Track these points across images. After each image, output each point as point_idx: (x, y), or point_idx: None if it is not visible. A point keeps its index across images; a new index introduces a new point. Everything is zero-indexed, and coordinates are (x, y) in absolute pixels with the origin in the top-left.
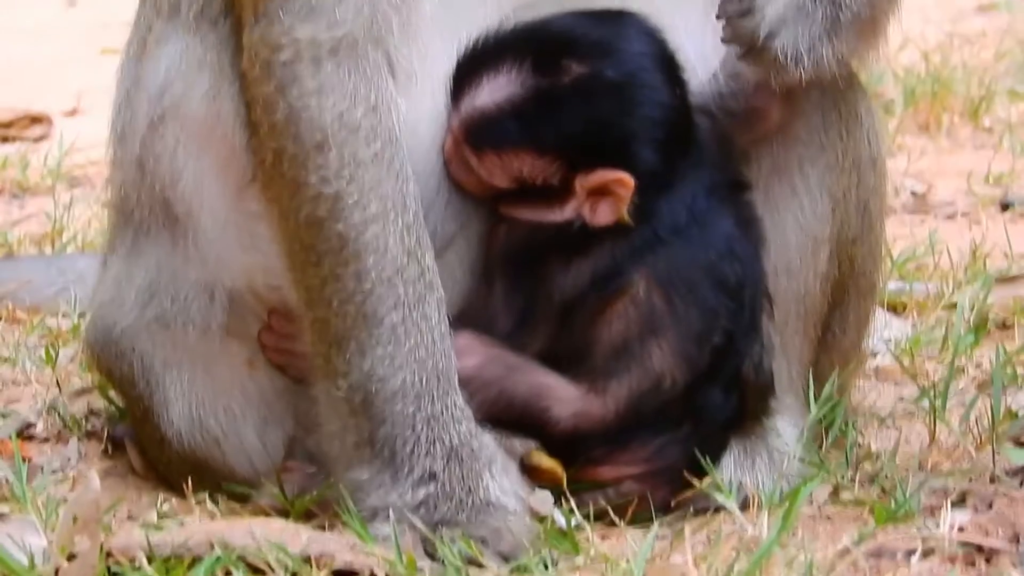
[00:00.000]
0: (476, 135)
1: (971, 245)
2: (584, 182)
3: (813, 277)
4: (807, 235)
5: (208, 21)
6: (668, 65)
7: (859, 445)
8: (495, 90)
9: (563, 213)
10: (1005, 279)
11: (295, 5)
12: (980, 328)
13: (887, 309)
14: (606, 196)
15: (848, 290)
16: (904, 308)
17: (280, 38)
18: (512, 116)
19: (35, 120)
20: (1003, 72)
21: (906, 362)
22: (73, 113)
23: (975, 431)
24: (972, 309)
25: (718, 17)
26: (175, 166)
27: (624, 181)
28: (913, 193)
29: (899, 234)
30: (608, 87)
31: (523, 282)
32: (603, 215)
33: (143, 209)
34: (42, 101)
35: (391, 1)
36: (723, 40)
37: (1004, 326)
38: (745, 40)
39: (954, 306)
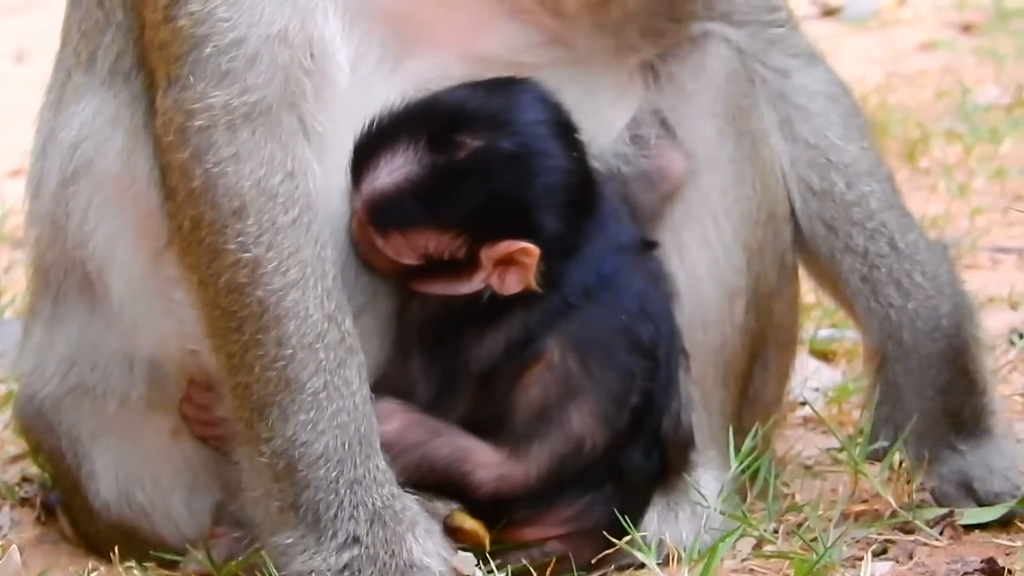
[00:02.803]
0: (379, 217)
1: None
2: (489, 254)
3: (731, 330)
4: (722, 288)
5: (121, 75)
6: (564, 130)
7: (784, 496)
8: (393, 170)
9: (472, 285)
10: None
11: (207, 70)
12: None
13: (818, 357)
14: (513, 266)
15: (768, 342)
16: (834, 356)
17: (194, 104)
18: (412, 196)
19: None
20: (942, 111)
21: (834, 410)
22: (17, 173)
23: (898, 481)
24: None
25: None
26: (86, 226)
27: (528, 251)
28: None
29: None
30: (504, 158)
31: (440, 353)
32: (511, 284)
33: (59, 270)
34: None
35: (304, 66)
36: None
37: None
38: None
39: None
